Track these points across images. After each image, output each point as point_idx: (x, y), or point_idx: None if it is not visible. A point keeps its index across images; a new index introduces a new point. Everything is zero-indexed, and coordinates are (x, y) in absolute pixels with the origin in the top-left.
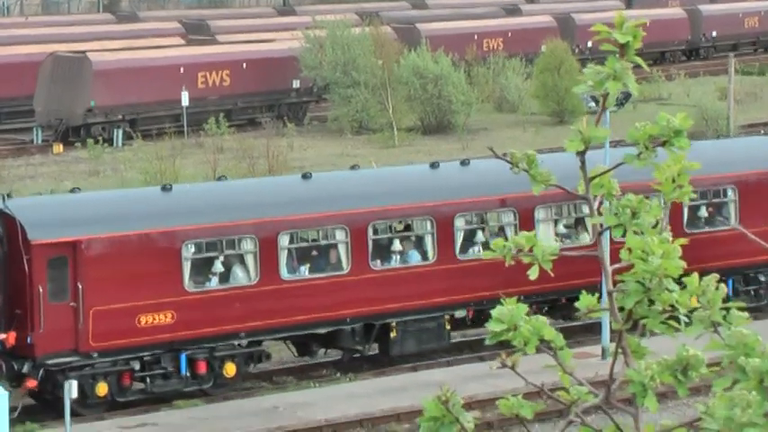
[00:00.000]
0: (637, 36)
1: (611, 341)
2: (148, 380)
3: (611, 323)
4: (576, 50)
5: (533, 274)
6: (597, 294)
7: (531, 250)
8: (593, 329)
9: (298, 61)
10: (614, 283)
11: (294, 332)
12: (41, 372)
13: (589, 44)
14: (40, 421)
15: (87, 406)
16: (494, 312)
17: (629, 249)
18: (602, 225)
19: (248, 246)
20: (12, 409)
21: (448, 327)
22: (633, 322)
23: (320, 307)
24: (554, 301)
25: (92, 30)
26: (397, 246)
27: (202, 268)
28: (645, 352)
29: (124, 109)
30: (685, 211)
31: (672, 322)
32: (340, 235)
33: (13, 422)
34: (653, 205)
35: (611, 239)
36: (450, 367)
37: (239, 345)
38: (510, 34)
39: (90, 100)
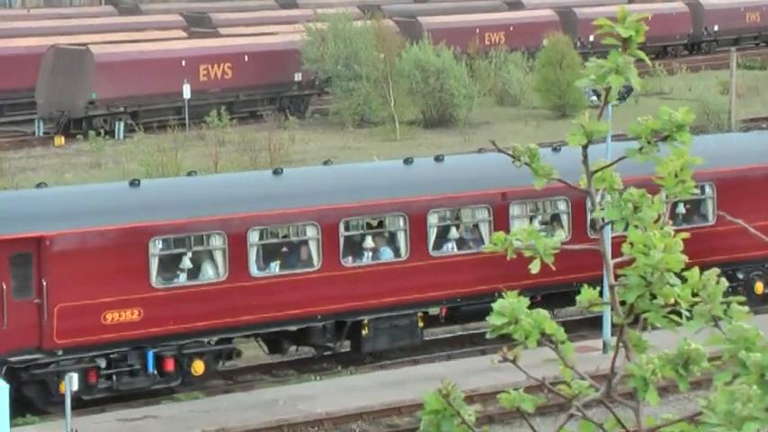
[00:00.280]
0: (639, 30)
1: (612, 335)
2: (114, 377)
3: (612, 317)
4: (578, 44)
5: (535, 268)
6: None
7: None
8: (594, 323)
9: (300, 54)
10: (616, 277)
11: (264, 329)
12: (4, 369)
13: (591, 38)
14: (40, 414)
15: (52, 403)
16: (495, 306)
17: (631, 243)
18: (603, 219)
19: (217, 242)
20: None
21: (421, 324)
22: (635, 317)
23: (290, 304)
24: (531, 297)
25: (93, 22)
26: (369, 242)
27: (170, 265)
28: (646, 346)
29: (126, 101)
30: (666, 208)
31: (673, 316)
32: (311, 231)
33: (13, 415)
34: (655, 199)
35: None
36: (451, 361)
37: (209, 342)
38: (512, 28)
39: (92, 92)
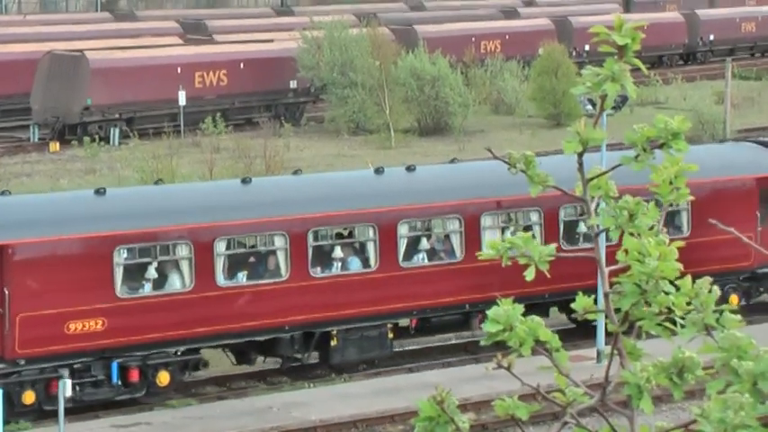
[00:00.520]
0: (635, 38)
1: (606, 344)
2: (77, 388)
3: (606, 325)
4: (574, 53)
5: (529, 275)
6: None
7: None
8: (587, 333)
9: (295, 61)
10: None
11: (231, 340)
12: None
13: (586, 47)
14: (33, 420)
15: (14, 414)
16: (489, 313)
17: (626, 251)
18: (598, 226)
19: (183, 252)
20: None
21: (391, 335)
22: (629, 325)
23: (257, 315)
24: None
25: (89, 28)
26: (338, 252)
27: (135, 274)
28: (640, 354)
29: (121, 108)
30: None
31: (668, 324)
32: (279, 241)
33: (5, 421)
34: (650, 207)
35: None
36: (446, 369)
37: (176, 352)
38: (507, 36)
39: (87, 98)
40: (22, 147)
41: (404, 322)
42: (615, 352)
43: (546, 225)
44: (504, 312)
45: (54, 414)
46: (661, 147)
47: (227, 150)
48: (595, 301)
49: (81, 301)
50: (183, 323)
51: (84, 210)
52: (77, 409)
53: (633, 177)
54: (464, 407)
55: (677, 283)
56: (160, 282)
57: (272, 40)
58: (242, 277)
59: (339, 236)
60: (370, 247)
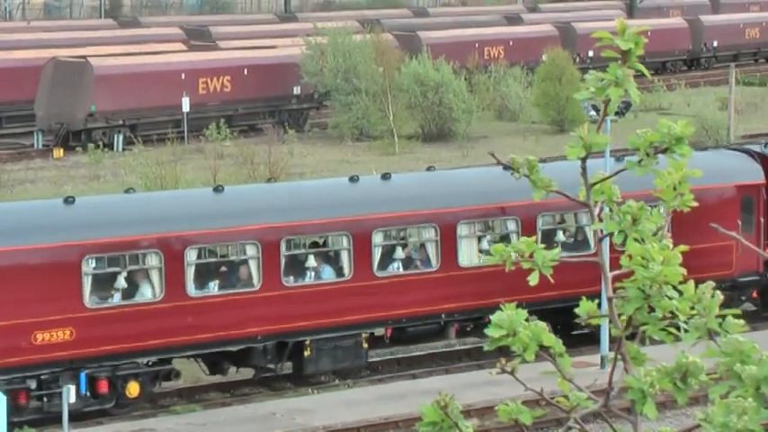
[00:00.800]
0: (638, 43)
1: (609, 350)
2: (45, 399)
3: (610, 330)
4: (577, 59)
5: (533, 280)
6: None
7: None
8: (591, 339)
9: (299, 68)
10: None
11: (202, 350)
12: None
13: (590, 53)
14: (37, 426)
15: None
16: (493, 318)
17: (630, 256)
18: (602, 231)
19: (153, 261)
20: None
21: (365, 345)
22: (632, 330)
23: (229, 324)
24: (478, 319)
25: (93, 35)
26: (311, 262)
27: (104, 284)
28: (644, 359)
29: (125, 114)
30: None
31: (671, 329)
32: (251, 250)
33: (11, 427)
34: (653, 212)
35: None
36: (449, 375)
37: (148, 363)
38: (511, 43)
39: (91, 105)
40: (26, 153)
41: (379, 332)
42: (619, 357)
43: (523, 233)
44: (508, 317)
45: (57, 420)
46: (664, 151)
47: (231, 157)
48: (599, 306)
49: (49, 311)
50: (154, 333)
51: (53, 219)
52: (79, 416)
53: (637, 183)
54: (468, 413)
55: (680, 287)
56: (130, 291)
57: (275, 47)
58: (213, 287)
59: (314, 245)
60: (344, 257)
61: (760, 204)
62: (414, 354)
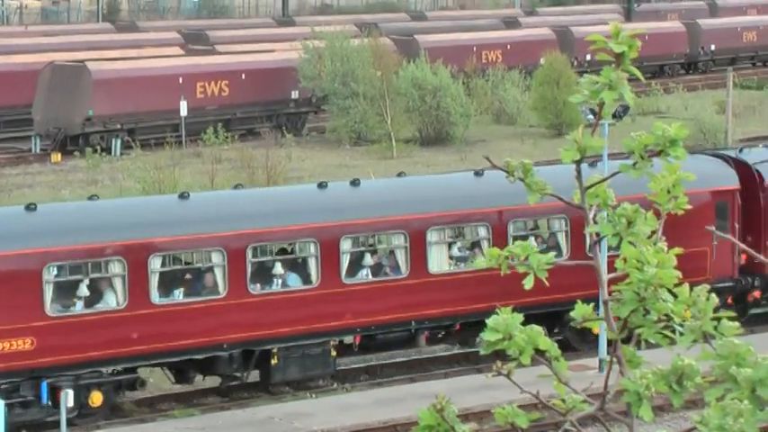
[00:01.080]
0: (632, 46)
1: (608, 353)
2: (6, 409)
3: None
4: (575, 63)
5: (528, 283)
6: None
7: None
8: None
9: (296, 72)
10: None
11: (167, 359)
12: None
13: (588, 57)
14: None
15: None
16: (489, 321)
17: (624, 259)
18: (597, 234)
19: (116, 269)
20: None
21: (334, 353)
22: (628, 332)
23: (195, 332)
24: (449, 326)
25: (91, 39)
26: (278, 269)
27: (66, 292)
28: (640, 362)
29: (123, 118)
30: (587, 237)
31: (667, 332)
32: (216, 258)
33: None
34: (648, 215)
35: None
36: (447, 379)
37: (114, 371)
38: (509, 46)
39: (88, 109)
40: (24, 158)
41: (348, 340)
42: (615, 360)
43: (494, 240)
44: (503, 321)
45: (48, 426)
46: (659, 154)
47: (229, 161)
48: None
49: (9, 319)
50: (117, 342)
51: (14, 226)
52: (78, 421)
53: (631, 186)
54: (465, 417)
55: (675, 291)
56: (92, 300)
57: (273, 51)
58: (178, 294)
59: (282, 251)
60: (312, 264)
61: (735, 210)
62: (413, 357)
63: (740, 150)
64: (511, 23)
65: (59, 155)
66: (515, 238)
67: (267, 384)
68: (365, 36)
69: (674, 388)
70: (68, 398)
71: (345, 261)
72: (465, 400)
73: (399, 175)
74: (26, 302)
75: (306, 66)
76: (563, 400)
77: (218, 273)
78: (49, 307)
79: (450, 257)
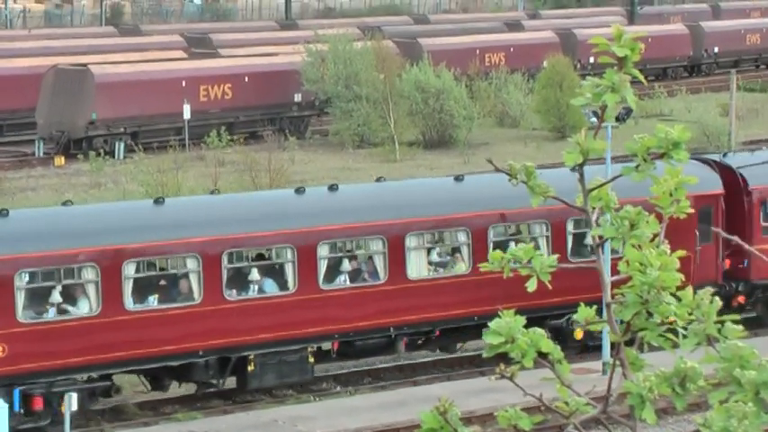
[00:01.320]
0: (635, 49)
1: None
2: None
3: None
4: (578, 66)
5: (531, 286)
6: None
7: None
8: (594, 346)
9: (299, 75)
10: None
11: (142, 365)
12: None
13: (591, 60)
14: None
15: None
16: (491, 324)
17: (627, 262)
18: (600, 237)
19: (89, 275)
20: None
21: (311, 359)
22: (631, 335)
23: (170, 339)
24: (427, 332)
25: (94, 43)
26: (254, 275)
27: (39, 298)
28: (643, 364)
29: (126, 122)
30: (569, 239)
31: (670, 335)
32: (191, 263)
33: None
34: (651, 218)
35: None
36: (450, 381)
37: (89, 378)
38: (512, 49)
39: (92, 112)
40: (27, 161)
41: (326, 346)
42: (618, 362)
43: (474, 246)
44: (506, 324)
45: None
46: (662, 157)
47: (232, 164)
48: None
49: None
50: (90, 349)
51: None
52: (82, 423)
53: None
54: (469, 419)
55: (678, 293)
56: (65, 306)
57: (276, 54)
58: (153, 301)
59: (260, 257)
60: (289, 269)
61: (718, 215)
62: (417, 360)
63: (724, 155)
64: (514, 26)
65: (63, 158)
66: (496, 244)
67: (243, 391)
68: (368, 39)
69: (676, 391)
70: (73, 401)
71: (323, 267)
72: (468, 403)
73: (378, 180)
74: None
75: (309, 69)
76: (566, 403)
77: (194, 279)
78: (21, 314)
79: (430, 263)
